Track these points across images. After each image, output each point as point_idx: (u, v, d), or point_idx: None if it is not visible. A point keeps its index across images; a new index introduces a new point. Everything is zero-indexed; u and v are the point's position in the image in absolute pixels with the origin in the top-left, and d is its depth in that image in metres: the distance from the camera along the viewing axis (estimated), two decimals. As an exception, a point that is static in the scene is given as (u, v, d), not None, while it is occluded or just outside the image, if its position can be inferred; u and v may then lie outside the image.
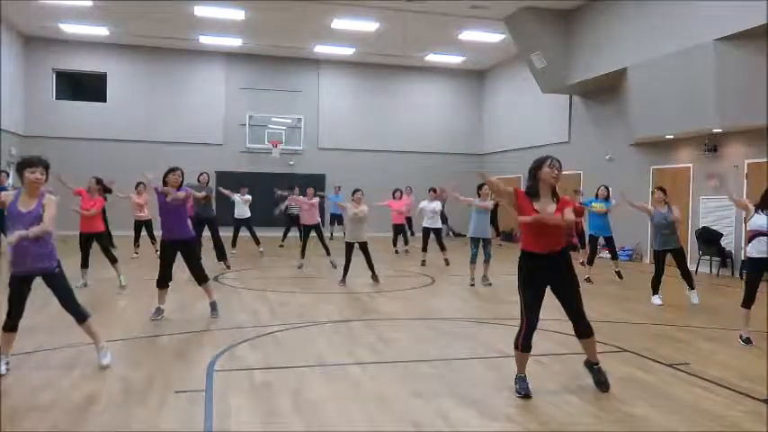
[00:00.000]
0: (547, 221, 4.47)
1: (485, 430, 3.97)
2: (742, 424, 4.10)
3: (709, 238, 12.37)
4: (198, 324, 6.90)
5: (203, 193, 10.68)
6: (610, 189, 11.09)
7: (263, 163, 20.30)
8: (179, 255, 7.08)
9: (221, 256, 11.64)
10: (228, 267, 11.50)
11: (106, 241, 9.61)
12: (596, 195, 10.91)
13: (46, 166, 4.91)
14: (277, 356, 5.66)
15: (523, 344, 4.57)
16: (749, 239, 6.28)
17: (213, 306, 7.29)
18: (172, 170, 7.10)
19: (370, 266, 10.10)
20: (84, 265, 9.21)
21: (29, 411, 4.11)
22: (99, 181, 9.36)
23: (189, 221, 7.31)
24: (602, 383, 4.69)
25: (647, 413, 4.25)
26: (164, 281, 7.09)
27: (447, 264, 12.52)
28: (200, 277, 7.21)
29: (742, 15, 10.38)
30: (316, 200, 12.19)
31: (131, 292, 8.92)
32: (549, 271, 4.55)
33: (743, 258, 12.13)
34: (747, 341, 6.29)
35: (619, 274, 10.74)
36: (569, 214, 4.51)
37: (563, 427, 4.01)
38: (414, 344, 6.22)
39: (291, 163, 20.68)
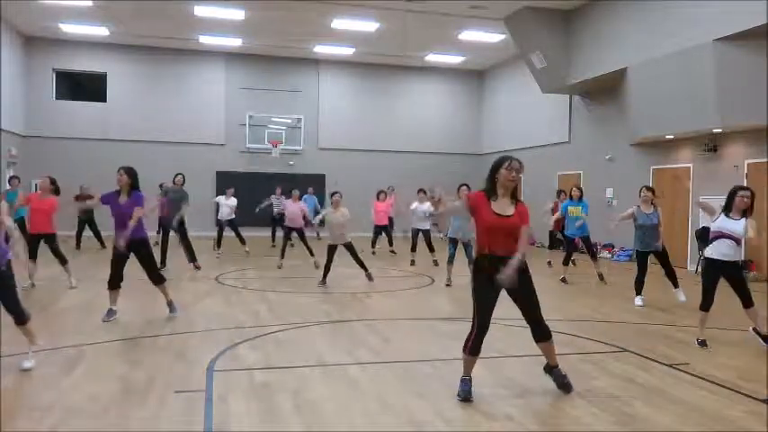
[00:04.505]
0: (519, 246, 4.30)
1: (485, 430, 3.97)
2: (742, 424, 4.10)
3: (708, 238, 12.34)
4: (198, 324, 6.91)
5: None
6: (583, 189, 11.13)
7: (263, 163, 20.30)
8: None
9: (192, 257, 11.55)
10: (198, 269, 11.36)
11: (55, 242, 9.26)
12: (570, 197, 10.92)
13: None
14: (277, 356, 5.66)
15: (472, 347, 4.43)
16: None
17: (170, 305, 7.30)
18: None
19: (361, 264, 10.13)
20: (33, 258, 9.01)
21: (29, 411, 4.11)
22: (53, 181, 9.14)
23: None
24: (565, 385, 4.60)
25: (647, 413, 4.26)
26: (116, 281, 7.07)
27: (436, 264, 12.39)
28: (156, 278, 7.19)
29: (742, 15, 10.38)
30: (303, 204, 12.43)
31: (130, 292, 8.88)
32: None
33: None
34: (766, 340, 6.14)
35: (601, 276, 10.67)
36: (524, 238, 4.37)
37: (563, 427, 4.01)
38: (414, 344, 6.22)
39: (291, 163, 20.67)
